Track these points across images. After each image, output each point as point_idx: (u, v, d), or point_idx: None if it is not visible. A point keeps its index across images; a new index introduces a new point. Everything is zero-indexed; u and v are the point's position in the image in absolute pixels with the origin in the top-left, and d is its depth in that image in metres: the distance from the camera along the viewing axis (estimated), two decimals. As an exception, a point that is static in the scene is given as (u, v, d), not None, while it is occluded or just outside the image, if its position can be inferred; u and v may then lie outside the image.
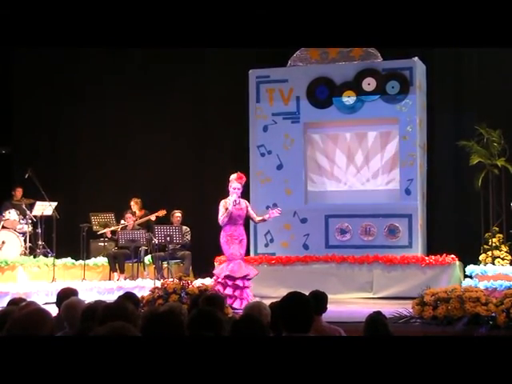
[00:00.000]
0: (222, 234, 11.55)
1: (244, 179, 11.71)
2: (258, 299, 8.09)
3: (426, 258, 13.36)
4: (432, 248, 14.13)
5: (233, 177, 11.61)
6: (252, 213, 11.73)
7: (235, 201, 11.37)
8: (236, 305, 11.01)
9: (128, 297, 6.17)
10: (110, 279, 13.97)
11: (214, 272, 11.68)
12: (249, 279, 11.44)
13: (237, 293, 11.17)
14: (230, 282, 11.22)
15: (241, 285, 11.22)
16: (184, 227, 14.06)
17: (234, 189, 11.48)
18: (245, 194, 14.70)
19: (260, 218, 11.79)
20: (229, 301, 10.79)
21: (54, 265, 13.59)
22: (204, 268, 14.13)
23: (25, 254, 14.12)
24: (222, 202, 11.49)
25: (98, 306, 5.20)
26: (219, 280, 11.32)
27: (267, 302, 6.05)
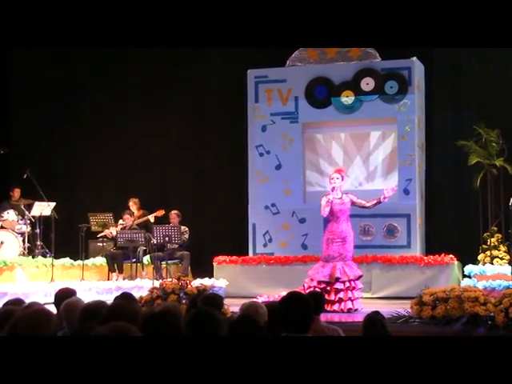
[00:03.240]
0: (325, 231, 11.24)
1: (342, 171, 11.36)
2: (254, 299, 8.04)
3: (425, 257, 13.36)
4: (430, 248, 14.14)
5: (332, 171, 11.46)
6: (360, 201, 11.14)
7: (334, 188, 11.01)
8: (335, 307, 10.72)
9: (125, 297, 6.15)
10: (108, 279, 13.95)
11: (309, 273, 11.16)
12: (353, 280, 10.97)
13: (341, 295, 10.77)
14: (323, 286, 10.77)
15: (341, 287, 10.81)
16: (183, 227, 14.05)
17: (332, 179, 11.13)
18: (243, 193, 14.77)
19: (374, 202, 11.16)
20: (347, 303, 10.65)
21: (52, 265, 13.57)
22: (203, 268, 14.14)
23: (23, 255, 14.10)
24: (324, 198, 11.05)
25: (96, 306, 5.20)
26: (313, 284, 10.91)
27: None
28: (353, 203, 11.17)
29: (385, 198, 11.12)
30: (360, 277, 11.11)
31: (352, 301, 10.82)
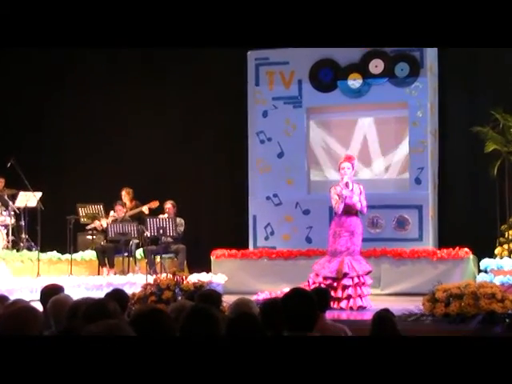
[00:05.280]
0: (331, 224, 11.21)
1: (352, 158, 11.17)
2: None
3: (438, 251, 13.36)
4: (444, 241, 14.12)
5: (341, 159, 11.24)
6: (363, 200, 11.00)
7: (347, 183, 10.94)
8: (343, 305, 10.71)
9: (116, 294, 6.15)
10: (98, 275, 13.96)
11: (314, 268, 11.12)
12: (361, 275, 10.92)
13: (349, 291, 10.73)
14: (329, 283, 10.74)
15: (349, 283, 10.76)
16: (178, 219, 14.04)
17: (343, 169, 10.97)
18: (243, 183, 14.75)
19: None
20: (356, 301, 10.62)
21: (38, 259, 13.58)
22: (200, 262, 14.12)
23: (7, 248, 14.13)
24: (333, 189, 10.96)
25: (85, 303, 5.21)
26: (318, 280, 10.88)
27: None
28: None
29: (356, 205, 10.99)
30: (369, 272, 11.09)
31: (361, 298, 10.81)
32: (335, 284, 10.80)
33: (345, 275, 10.78)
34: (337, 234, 10.97)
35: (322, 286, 10.39)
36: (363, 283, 10.90)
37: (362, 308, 10.73)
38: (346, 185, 10.92)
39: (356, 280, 10.82)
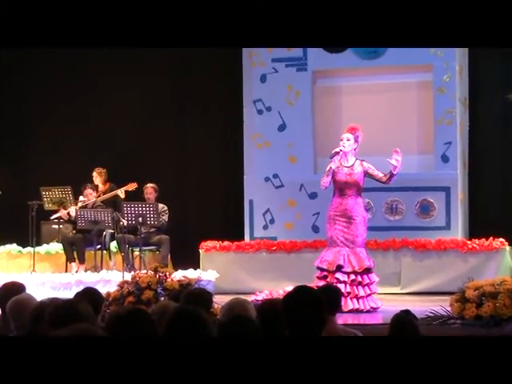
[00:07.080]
0: (329, 208, 11.26)
1: (356, 129, 11.11)
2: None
3: (468, 242, 13.39)
4: (475, 229, 14.16)
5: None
6: (377, 173, 11.03)
7: (336, 153, 10.90)
8: (354, 305, 10.77)
9: (87, 294, 6.17)
10: (66, 271, 13.98)
11: (314, 264, 11.22)
12: (364, 273, 10.92)
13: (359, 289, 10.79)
14: (318, 275, 10.83)
15: (344, 278, 10.74)
16: (160, 205, 14.03)
17: (341, 140, 10.99)
18: (238, 161, 14.74)
19: (388, 176, 10.99)
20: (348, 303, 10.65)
21: (-5, 253, 13.61)
22: (186, 257, 14.15)
23: (-42, 240, 14.14)
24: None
25: (51, 305, 5.23)
26: (317, 275, 10.97)
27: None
28: (367, 174, 11.08)
29: (395, 168, 10.96)
30: (368, 269, 11.00)
31: (358, 299, 10.79)
32: (328, 278, 10.81)
33: (338, 268, 10.77)
34: (332, 219, 11.01)
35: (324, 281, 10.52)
36: (360, 282, 10.86)
37: (360, 310, 10.74)
38: (335, 154, 10.89)
39: (352, 277, 10.79)
